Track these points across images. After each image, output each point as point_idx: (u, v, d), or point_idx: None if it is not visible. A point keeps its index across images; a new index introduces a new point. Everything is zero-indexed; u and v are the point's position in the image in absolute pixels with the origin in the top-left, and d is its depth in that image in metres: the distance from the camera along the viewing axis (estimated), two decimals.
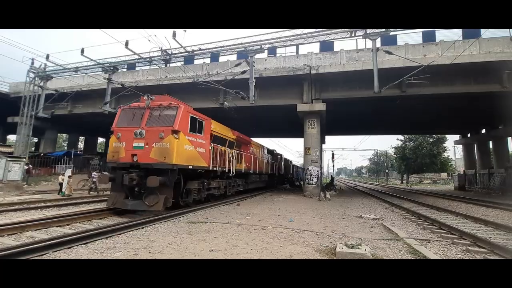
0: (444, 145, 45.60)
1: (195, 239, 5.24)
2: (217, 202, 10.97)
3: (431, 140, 44.91)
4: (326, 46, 17.70)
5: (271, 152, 21.80)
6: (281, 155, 25.79)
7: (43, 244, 4.37)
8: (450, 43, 13.74)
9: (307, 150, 16.80)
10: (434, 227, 7.34)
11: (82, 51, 15.70)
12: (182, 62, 19.23)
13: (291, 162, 35.02)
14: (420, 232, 6.76)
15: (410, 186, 39.33)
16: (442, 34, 17.05)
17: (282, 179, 27.87)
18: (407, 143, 47.90)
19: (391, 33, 15.62)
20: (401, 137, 48.33)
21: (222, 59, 19.63)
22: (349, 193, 22.01)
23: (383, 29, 13.28)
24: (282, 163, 26.20)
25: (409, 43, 15.24)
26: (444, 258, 4.67)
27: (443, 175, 54.17)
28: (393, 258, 4.46)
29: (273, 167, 21.78)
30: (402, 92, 15.04)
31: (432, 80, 13.37)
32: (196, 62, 20.03)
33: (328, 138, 37.05)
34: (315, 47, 18.27)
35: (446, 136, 44.19)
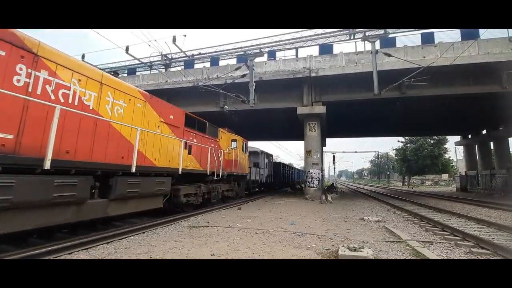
0: (445, 146, 45.55)
1: (196, 244, 5.22)
2: (218, 206, 10.95)
3: (432, 142, 44.86)
4: (326, 49, 17.80)
5: (213, 132, 11.15)
6: (244, 142, 14.53)
7: (44, 250, 4.35)
8: (449, 45, 13.80)
9: (307, 152, 16.79)
10: (436, 228, 7.29)
11: (83, 56, 15.85)
12: (182, 67, 19.37)
13: (271, 157, 23.94)
14: (423, 234, 6.71)
15: (412, 188, 39.21)
16: (441, 35, 17.12)
17: (238, 184, 14.33)
18: (408, 145, 47.87)
19: (390, 35, 15.73)
20: (401, 139, 48.32)
21: (222, 63, 19.76)
22: (351, 196, 21.92)
23: (382, 32, 13.37)
24: (244, 157, 14.52)
25: (408, 45, 15.29)
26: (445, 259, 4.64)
27: (445, 176, 54.00)
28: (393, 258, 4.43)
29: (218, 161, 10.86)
30: (402, 93, 15.07)
31: (432, 81, 13.42)
32: (196, 66, 20.18)
33: (328, 140, 36.49)
34: (315, 50, 18.40)
35: (447, 137, 44.16)
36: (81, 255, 4.48)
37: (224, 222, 7.72)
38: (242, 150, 13.90)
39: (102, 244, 5.09)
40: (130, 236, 5.79)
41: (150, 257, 4.35)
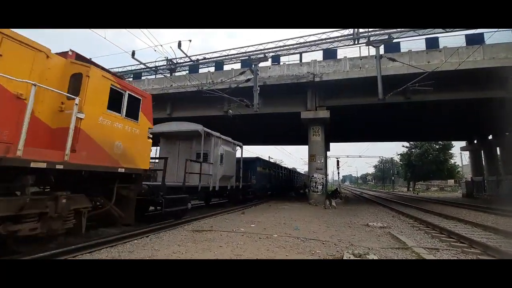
0: (450, 151, 45.10)
1: (200, 248, 5.21)
2: (222, 210, 10.94)
3: (437, 147, 44.45)
4: (329, 54, 17.86)
5: None
6: (127, 91, 6.11)
7: (48, 253, 4.38)
8: (453, 50, 13.73)
9: (311, 157, 16.73)
10: (443, 235, 7.19)
11: None
12: (187, 71, 19.53)
13: (239, 147, 14.59)
14: (429, 241, 6.62)
15: (417, 194, 38.79)
16: (445, 40, 17.15)
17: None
18: (413, 150, 47.47)
19: (394, 40, 15.74)
20: (406, 143, 47.97)
21: (226, 67, 19.93)
22: (355, 201, 21.76)
23: (386, 37, 13.38)
24: (134, 131, 6.29)
25: (413, 50, 15.26)
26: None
27: (450, 182, 53.37)
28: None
29: None
30: (407, 98, 14.99)
31: (437, 86, 13.31)
32: (200, 71, 20.34)
33: (332, 145, 36.26)
34: (319, 55, 18.45)
35: (452, 142, 43.75)
36: (85, 258, 4.50)
37: (228, 226, 7.69)
38: (120, 113, 5.93)
39: (106, 247, 5.10)
40: (134, 240, 5.80)
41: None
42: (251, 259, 4.52)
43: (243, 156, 15.12)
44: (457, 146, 53.31)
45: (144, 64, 19.08)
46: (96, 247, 5.01)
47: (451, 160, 46.08)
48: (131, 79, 20.76)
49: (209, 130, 10.96)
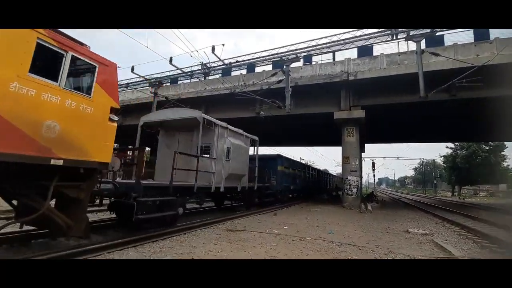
0: (503, 153, 40.83)
1: (234, 247, 5.33)
2: (254, 211, 11.05)
3: (487, 148, 40.49)
4: (365, 51, 17.18)
5: None
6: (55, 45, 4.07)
7: (98, 245, 4.80)
8: (507, 41, 12.44)
9: (345, 159, 16.22)
10: (495, 245, 6.55)
11: (132, 68, 17.21)
12: (220, 74, 20.06)
13: (253, 141, 12.37)
14: (478, 251, 6.09)
15: (463, 199, 35.69)
16: (496, 31, 15.49)
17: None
18: (458, 151, 43.79)
19: (438, 33, 14.66)
20: (451, 144, 44.42)
21: (258, 69, 20.09)
22: (392, 205, 20.65)
23: (428, 30, 12.52)
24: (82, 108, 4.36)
25: (458, 43, 14.10)
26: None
27: (502, 187, 48.29)
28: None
29: None
30: (452, 96, 13.88)
31: (487, 82, 12.18)
32: (233, 73, 20.76)
33: (368, 146, 34.59)
34: (352, 53, 17.82)
35: (505, 143, 39.55)
36: (131, 252, 4.84)
37: (260, 227, 7.76)
38: (57, 81, 4.03)
39: (148, 243, 5.45)
40: (173, 236, 6.12)
41: (192, 258, 4.55)
42: (288, 259, 4.53)
43: (261, 153, 13.26)
44: (510, 147, 48.15)
45: (180, 69, 20.01)
46: (140, 242, 5.38)
47: (504, 163, 41.72)
48: (168, 84, 21.87)
49: (210, 118, 9.04)
